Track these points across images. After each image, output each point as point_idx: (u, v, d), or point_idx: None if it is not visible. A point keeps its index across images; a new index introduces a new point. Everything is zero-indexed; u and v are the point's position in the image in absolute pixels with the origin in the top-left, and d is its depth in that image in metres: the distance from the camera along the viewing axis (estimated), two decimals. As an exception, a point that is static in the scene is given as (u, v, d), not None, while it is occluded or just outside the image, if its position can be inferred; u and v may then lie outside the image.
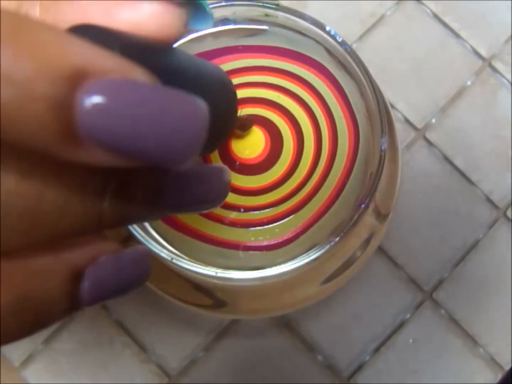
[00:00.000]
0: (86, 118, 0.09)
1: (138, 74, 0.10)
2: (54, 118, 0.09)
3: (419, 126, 0.32)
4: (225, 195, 0.14)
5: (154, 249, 0.19)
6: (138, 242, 0.19)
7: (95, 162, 0.10)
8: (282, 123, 0.21)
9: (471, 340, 0.30)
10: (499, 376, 0.29)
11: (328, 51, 0.22)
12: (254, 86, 0.22)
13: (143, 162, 0.10)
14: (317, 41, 0.22)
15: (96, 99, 0.09)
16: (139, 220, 0.13)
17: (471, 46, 0.33)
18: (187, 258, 0.20)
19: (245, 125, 0.21)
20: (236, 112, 0.17)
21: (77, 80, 0.09)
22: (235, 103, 0.17)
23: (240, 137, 0.21)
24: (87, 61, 0.10)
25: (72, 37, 0.10)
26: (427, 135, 0.32)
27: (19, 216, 0.11)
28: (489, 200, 0.31)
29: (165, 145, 0.10)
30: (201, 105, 0.11)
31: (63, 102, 0.09)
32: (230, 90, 0.17)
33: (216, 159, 0.21)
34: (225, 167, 0.15)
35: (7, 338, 0.12)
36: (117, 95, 0.10)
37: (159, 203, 0.13)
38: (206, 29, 0.15)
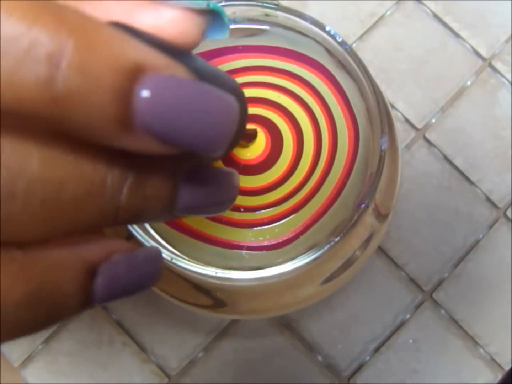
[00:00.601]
0: (141, 107, 0.11)
1: (183, 72, 0.12)
2: (115, 106, 0.10)
3: (419, 126, 0.32)
4: (234, 198, 0.15)
5: (154, 249, 0.19)
6: (138, 242, 0.19)
7: (143, 148, 0.11)
8: (282, 123, 0.21)
9: (471, 340, 0.30)
10: (499, 376, 0.29)
11: (328, 51, 0.22)
12: (254, 86, 0.22)
13: (184, 149, 0.12)
14: (317, 41, 0.22)
15: (152, 91, 0.11)
16: (152, 218, 0.13)
17: (471, 46, 0.33)
18: (187, 258, 0.20)
19: (250, 136, 0.21)
20: (246, 122, 0.18)
21: (136, 74, 0.11)
22: (246, 113, 0.17)
23: (244, 147, 0.21)
24: (144, 57, 0.11)
25: (127, 35, 0.11)
26: (427, 135, 0.32)
27: (40, 204, 0.11)
28: (489, 200, 0.31)
29: (205, 135, 0.11)
30: (234, 102, 0.12)
31: (124, 93, 0.10)
32: (242, 100, 0.17)
33: (218, 162, 0.21)
34: (235, 171, 0.15)
35: (20, 330, 0.12)
36: (168, 89, 0.11)
37: (174, 202, 0.13)
38: (221, 39, 0.15)
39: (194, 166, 0.14)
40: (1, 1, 0.10)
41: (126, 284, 0.13)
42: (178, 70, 0.11)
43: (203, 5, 0.14)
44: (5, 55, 0.10)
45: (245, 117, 0.17)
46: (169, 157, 0.12)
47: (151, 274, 0.14)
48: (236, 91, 0.16)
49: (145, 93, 0.10)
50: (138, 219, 0.13)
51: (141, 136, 0.11)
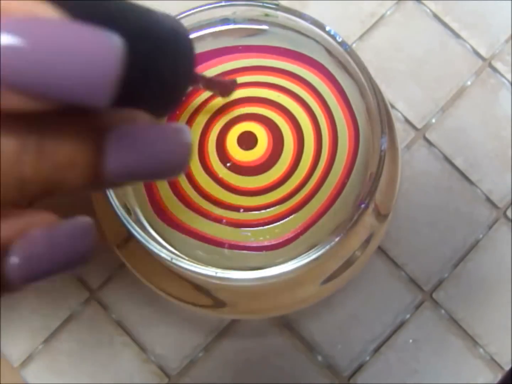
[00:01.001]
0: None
1: (44, 10, 0.10)
2: None
3: (419, 126, 0.32)
4: (186, 159, 0.13)
5: (154, 249, 0.19)
6: (138, 242, 0.19)
7: (10, 107, 0.10)
8: (283, 123, 0.21)
9: (471, 340, 0.30)
10: (499, 376, 0.29)
11: (328, 51, 0.22)
12: (254, 85, 0.22)
13: (58, 102, 0.10)
14: (317, 41, 0.22)
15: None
16: (74, 189, 0.12)
17: (471, 46, 0.33)
18: (187, 258, 0.20)
19: (228, 87, 0.20)
20: (193, 65, 0.16)
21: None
22: (191, 55, 0.15)
23: (224, 98, 0.21)
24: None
25: None
26: (427, 135, 0.32)
27: None
28: (489, 200, 0.31)
29: (77, 81, 0.10)
30: (114, 40, 0.10)
31: None
32: (185, 42, 0.15)
33: (215, 161, 0.21)
34: (186, 126, 0.13)
35: None
36: (21, 33, 0.09)
37: (99, 168, 0.11)
38: None
39: (126, 125, 0.12)
40: None
41: (47, 263, 0.11)
42: (37, 9, 0.10)
43: None
44: None
45: (191, 58, 0.15)
46: (81, 115, 0.11)
47: (79, 250, 0.12)
48: (175, 31, 0.14)
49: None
50: (54, 191, 0.11)
51: (4, 93, 0.10)
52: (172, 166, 0.13)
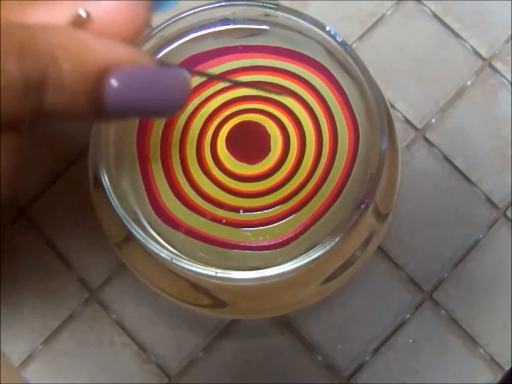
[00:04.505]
0: (110, 98, 0.13)
1: (142, 57, 0.14)
2: (88, 104, 0.13)
3: (419, 126, 0.32)
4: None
5: (154, 249, 0.19)
6: (138, 242, 0.19)
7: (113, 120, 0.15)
8: (286, 120, 0.21)
9: (471, 340, 0.30)
10: (499, 376, 0.29)
11: (328, 51, 0.22)
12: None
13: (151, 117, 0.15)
14: (317, 41, 0.22)
15: (118, 83, 0.13)
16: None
17: (471, 46, 0.33)
18: (187, 258, 0.20)
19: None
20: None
21: (102, 75, 0.13)
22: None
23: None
24: (108, 58, 0.13)
25: (90, 37, 0.13)
26: (427, 135, 0.32)
27: None
28: (489, 200, 0.31)
29: (165, 105, 0.14)
30: (186, 74, 0.15)
31: (95, 93, 0.13)
32: None
33: (213, 167, 0.21)
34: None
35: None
36: (131, 79, 0.13)
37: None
38: (172, 10, 0.16)
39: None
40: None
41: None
42: (139, 57, 0.14)
43: None
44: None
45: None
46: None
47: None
48: None
49: (112, 85, 0.13)
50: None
51: (113, 115, 0.14)
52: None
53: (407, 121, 0.32)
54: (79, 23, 0.14)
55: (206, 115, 0.22)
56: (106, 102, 0.13)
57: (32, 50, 0.12)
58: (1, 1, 0.13)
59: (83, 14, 0.14)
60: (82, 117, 0.13)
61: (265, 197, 0.21)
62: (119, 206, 0.19)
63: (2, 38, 0.12)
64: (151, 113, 0.15)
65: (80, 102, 0.13)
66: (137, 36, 0.15)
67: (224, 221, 0.21)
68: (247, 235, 0.21)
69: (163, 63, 0.18)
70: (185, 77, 0.15)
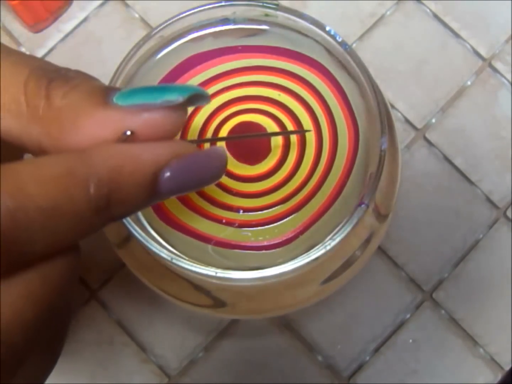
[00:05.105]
0: (164, 185, 0.15)
1: (186, 147, 0.16)
2: (146, 195, 0.15)
3: (419, 126, 0.32)
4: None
5: (154, 249, 0.19)
6: (138, 242, 0.19)
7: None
8: (286, 120, 0.21)
9: (471, 340, 0.30)
10: (499, 376, 0.29)
11: (328, 51, 0.22)
12: (254, 85, 0.22)
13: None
14: (317, 41, 0.22)
15: (170, 174, 0.15)
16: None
17: (471, 46, 0.33)
18: (187, 258, 0.20)
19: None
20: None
21: (158, 174, 0.15)
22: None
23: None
24: (159, 158, 0.15)
25: (141, 150, 0.15)
26: (427, 135, 0.32)
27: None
28: (489, 200, 0.31)
29: (208, 178, 0.17)
30: (222, 150, 0.17)
31: (152, 188, 0.15)
32: None
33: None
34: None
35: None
36: (180, 169, 0.16)
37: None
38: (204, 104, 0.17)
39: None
40: None
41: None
42: (183, 148, 0.16)
43: (178, 99, 0.15)
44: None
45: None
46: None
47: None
48: None
49: (166, 177, 0.15)
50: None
51: (166, 197, 0.16)
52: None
53: (407, 121, 0.32)
54: (124, 138, 0.15)
55: (206, 115, 0.22)
56: (162, 190, 0.15)
57: (95, 181, 0.14)
58: (47, 117, 0.15)
59: (129, 133, 0.15)
60: (142, 207, 0.15)
61: (265, 197, 0.21)
62: (119, 206, 0.19)
63: (68, 178, 0.13)
64: (197, 188, 0.17)
65: (141, 200, 0.15)
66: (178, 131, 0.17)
67: (224, 221, 0.21)
68: (247, 235, 0.21)
69: (194, 141, 0.21)
70: (221, 153, 0.17)
